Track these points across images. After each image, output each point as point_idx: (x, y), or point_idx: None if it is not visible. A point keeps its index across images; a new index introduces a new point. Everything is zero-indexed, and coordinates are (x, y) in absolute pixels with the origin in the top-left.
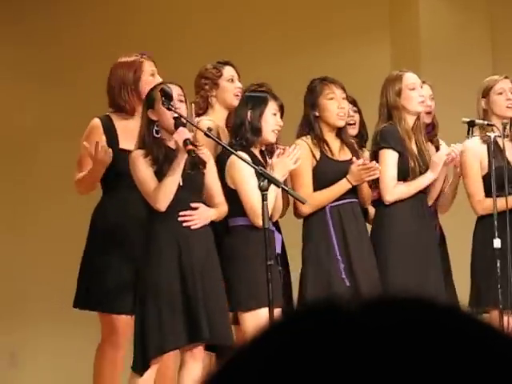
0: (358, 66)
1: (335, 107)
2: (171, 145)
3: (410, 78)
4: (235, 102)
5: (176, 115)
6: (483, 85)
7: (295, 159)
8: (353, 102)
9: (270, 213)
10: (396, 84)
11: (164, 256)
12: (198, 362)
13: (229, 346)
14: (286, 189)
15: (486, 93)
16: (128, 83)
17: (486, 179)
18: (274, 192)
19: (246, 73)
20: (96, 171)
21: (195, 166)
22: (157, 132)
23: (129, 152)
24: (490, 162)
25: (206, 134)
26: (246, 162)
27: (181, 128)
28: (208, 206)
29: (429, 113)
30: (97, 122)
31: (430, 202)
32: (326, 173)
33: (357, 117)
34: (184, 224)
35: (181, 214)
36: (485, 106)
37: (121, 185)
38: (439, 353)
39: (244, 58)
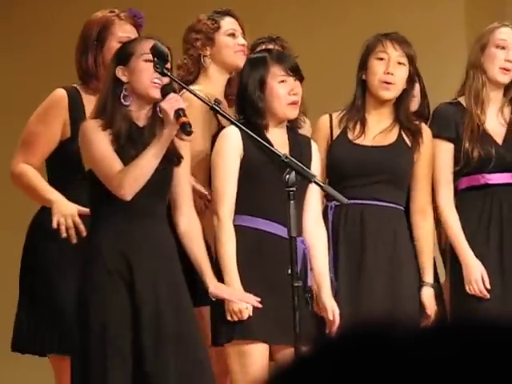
0: (419, 20)
1: (381, 71)
2: (139, 121)
3: (502, 33)
4: (238, 62)
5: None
6: None
7: None
8: None
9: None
10: (484, 38)
11: (106, 279)
12: None
13: None
14: (321, 184)
15: None
16: (91, 46)
17: None
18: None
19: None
20: None
21: (168, 158)
22: (125, 98)
23: None
24: None
25: (212, 108)
26: (266, 145)
27: (172, 94)
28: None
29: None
30: (61, 93)
31: None
32: (336, 160)
33: (416, 87)
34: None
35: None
36: None
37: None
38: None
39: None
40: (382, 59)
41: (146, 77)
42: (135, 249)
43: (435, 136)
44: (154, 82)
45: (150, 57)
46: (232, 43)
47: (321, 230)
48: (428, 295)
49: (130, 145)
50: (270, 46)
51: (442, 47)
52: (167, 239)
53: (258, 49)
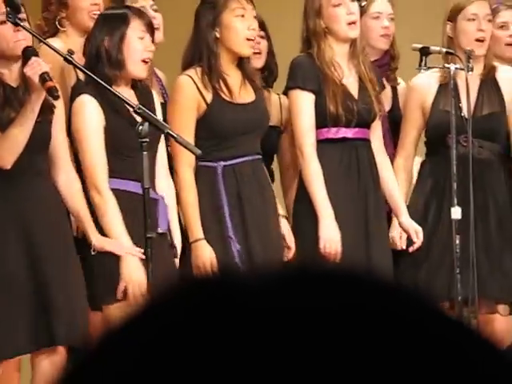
0: None
1: (245, 28)
2: (12, 81)
3: None
4: (92, 24)
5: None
6: (452, 4)
7: None
8: (260, 25)
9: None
10: (315, 2)
11: None
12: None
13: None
14: (174, 135)
15: (453, 15)
16: None
17: (428, 125)
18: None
19: None
20: None
21: (41, 110)
22: None
23: None
24: (434, 103)
25: (65, 60)
26: (119, 96)
27: (34, 58)
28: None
29: (386, 36)
30: None
31: None
32: (221, 122)
33: (264, 44)
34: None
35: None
36: (450, 32)
37: None
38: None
39: None
40: (241, 16)
41: (4, 39)
42: (21, 208)
43: (299, 87)
44: (15, 41)
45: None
46: (86, 4)
47: (170, 183)
48: (285, 226)
49: (8, 108)
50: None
51: (294, 4)
52: (52, 195)
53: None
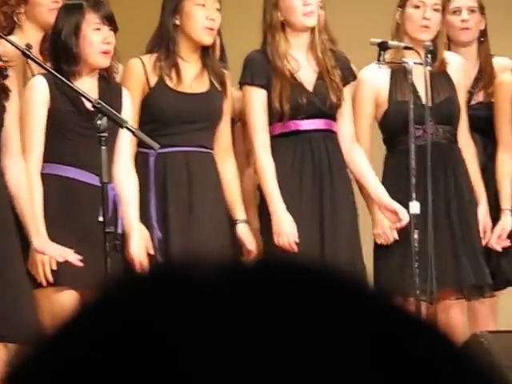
0: None
1: (204, 16)
2: None
3: None
4: (52, 20)
5: None
6: None
7: None
8: None
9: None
10: None
11: None
12: None
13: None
14: (133, 130)
15: (403, 2)
16: None
17: (387, 117)
18: None
19: None
20: None
21: None
22: None
23: None
24: (390, 94)
25: (23, 54)
26: (77, 90)
27: None
28: None
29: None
30: None
31: None
32: (160, 106)
33: (216, 39)
34: None
35: None
36: (399, 19)
37: None
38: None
39: None
40: (201, 5)
41: None
42: None
43: (248, 83)
44: None
45: None
46: (46, 1)
47: (132, 177)
48: (244, 231)
49: None
50: None
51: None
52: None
53: None
